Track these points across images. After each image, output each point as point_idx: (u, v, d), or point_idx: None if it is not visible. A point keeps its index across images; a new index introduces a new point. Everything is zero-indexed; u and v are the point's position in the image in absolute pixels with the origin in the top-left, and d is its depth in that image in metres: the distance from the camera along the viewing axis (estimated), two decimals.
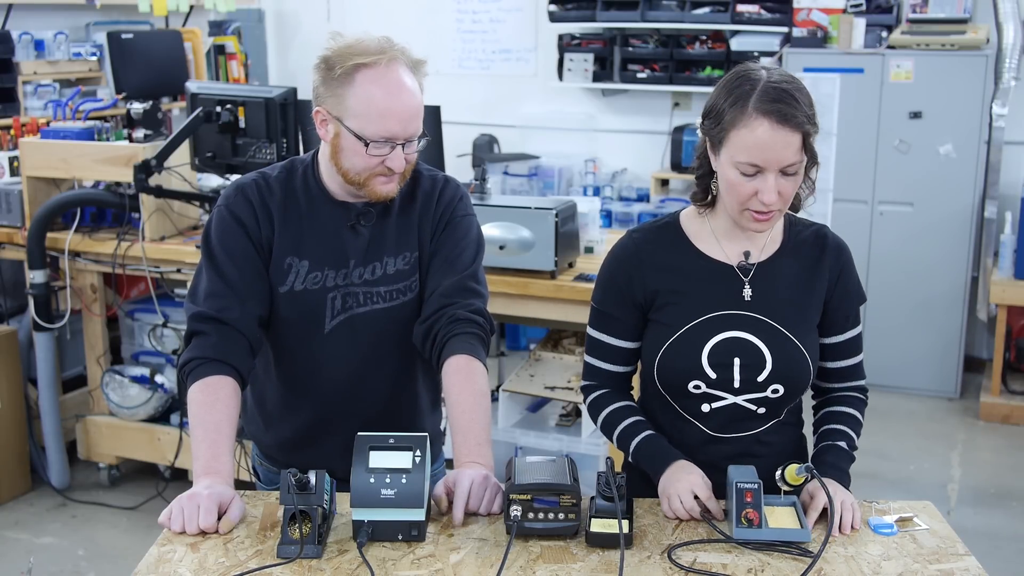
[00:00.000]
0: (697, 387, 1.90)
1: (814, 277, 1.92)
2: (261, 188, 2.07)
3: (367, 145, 1.93)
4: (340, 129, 1.95)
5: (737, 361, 1.88)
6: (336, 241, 2.06)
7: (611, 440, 2.02)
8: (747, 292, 1.90)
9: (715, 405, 1.91)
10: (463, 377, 1.99)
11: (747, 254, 1.91)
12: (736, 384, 1.89)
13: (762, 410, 1.91)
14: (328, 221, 2.06)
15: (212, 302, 2.00)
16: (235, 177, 3.81)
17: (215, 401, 1.93)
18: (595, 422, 2.05)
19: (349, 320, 2.06)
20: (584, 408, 2.14)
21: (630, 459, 1.99)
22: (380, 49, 1.93)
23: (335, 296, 2.06)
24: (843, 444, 1.95)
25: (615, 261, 1.97)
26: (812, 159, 1.79)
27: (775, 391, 1.89)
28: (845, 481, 1.91)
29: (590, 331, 2.03)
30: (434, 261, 2.09)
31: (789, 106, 1.73)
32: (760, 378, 1.88)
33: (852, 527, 1.79)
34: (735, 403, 1.91)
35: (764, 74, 1.77)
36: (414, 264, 2.09)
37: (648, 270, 1.93)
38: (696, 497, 1.83)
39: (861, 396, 2.03)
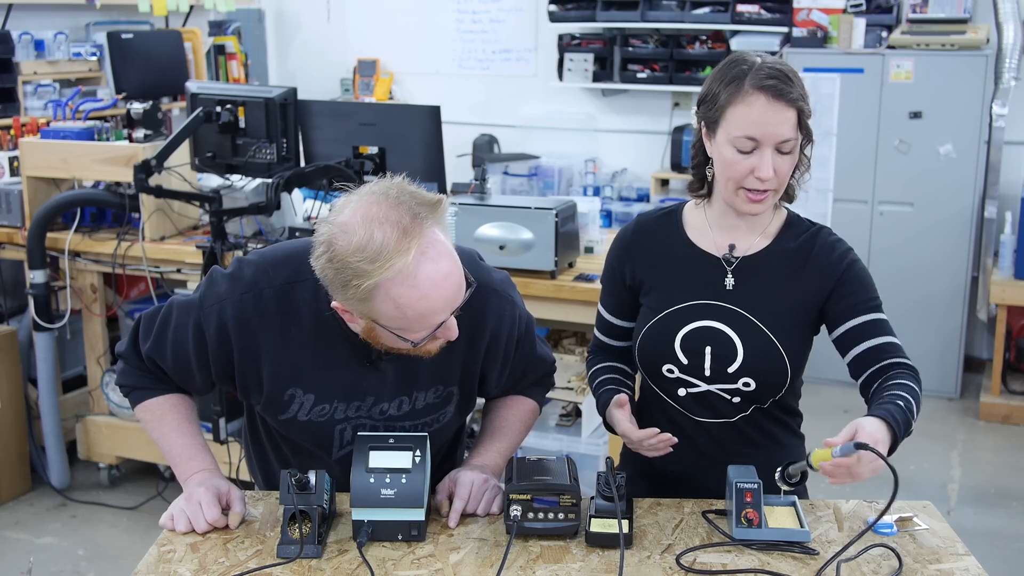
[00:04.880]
0: (671, 371, 1.94)
1: (803, 278, 1.90)
2: (247, 312, 1.77)
3: (415, 345, 1.68)
4: (374, 325, 1.67)
5: (708, 350, 1.90)
6: (350, 377, 1.82)
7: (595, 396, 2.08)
8: (729, 282, 1.92)
9: (691, 391, 1.94)
10: (514, 402, 2.03)
11: (732, 247, 1.93)
12: (707, 373, 1.91)
13: (737, 399, 1.93)
14: (340, 354, 1.79)
15: (152, 363, 1.88)
16: (235, 177, 3.82)
17: (163, 413, 1.91)
18: (591, 385, 2.11)
19: None
20: (586, 393, 2.19)
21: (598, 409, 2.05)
22: (400, 247, 1.56)
23: (344, 428, 1.87)
24: (900, 402, 1.74)
25: (615, 244, 2.06)
26: (807, 136, 1.83)
27: (746, 384, 1.90)
28: (896, 422, 1.69)
29: (598, 305, 2.12)
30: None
31: (784, 83, 1.79)
32: (730, 369, 1.90)
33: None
34: (709, 390, 1.93)
35: (758, 59, 1.83)
36: (447, 397, 1.89)
37: (638, 257, 2.00)
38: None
39: (907, 361, 1.84)
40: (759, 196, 1.83)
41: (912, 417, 1.75)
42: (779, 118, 1.78)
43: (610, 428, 2.00)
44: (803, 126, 1.81)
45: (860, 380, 1.87)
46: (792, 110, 1.79)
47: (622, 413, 1.91)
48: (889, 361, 1.84)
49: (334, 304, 1.67)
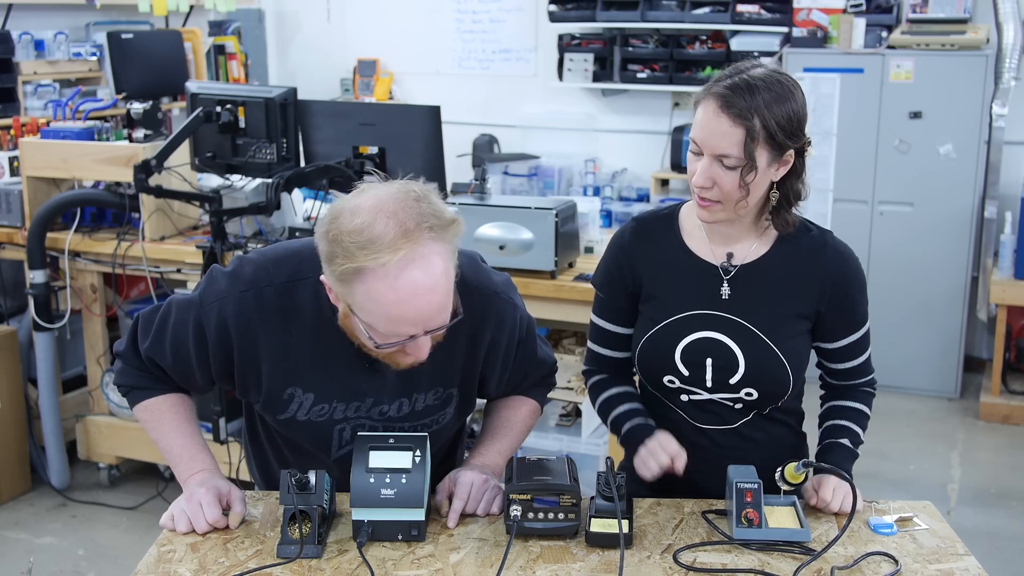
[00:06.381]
0: (671, 381, 1.93)
1: (803, 284, 1.89)
2: (248, 310, 1.75)
3: (378, 346, 1.67)
4: (348, 312, 1.66)
5: (709, 362, 1.89)
6: (350, 378, 1.81)
7: (606, 424, 2.05)
8: (725, 291, 1.89)
9: (693, 399, 1.94)
10: (515, 402, 2.02)
11: (730, 255, 1.90)
12: (708, 384, 1.90)
13: (739, 405, 1.92)
14: (340, 354, 1.78)
15: (151, 362, 1.88)
16: (235, 177, 3.82)
17: (162, 413, 1.90)
18: (594, 405, 2.09)
19: None
20: (586, 393, 2.18)
21: (620, 442, 2.02)
22: (393, 244, 1.54)
23: (343, 428, 1.86)
24: (846, 441, 1.95)
25: (612, 247, 2.01)
26: (751, 165, 1.73)
27: (749, 394, 1.90)
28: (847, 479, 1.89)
29: (591, 316, 2.07)
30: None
31: (742, 98, 1.72)
32: (732, 380, 1.89)
33: (851, 509, 1.78)
34: (711, 399, 1.92)
35: (749, 68, 1.78)
36: (447, 399, 1.88)
37: (638, 261, 1.96)
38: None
39: (868, 389, 2.02)
40: (702, 203, 1.81)
41: (857, 443, 1.97)
42: (720, 130, 1.73)
43: (628, 450, 1.98)
44: (747, 149, 1.71)
45: (825, 383, 2.05)
46: (739, 128, 1.71)
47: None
48: (856, 381, 2.00)
49: (321, 277, 1.66)
